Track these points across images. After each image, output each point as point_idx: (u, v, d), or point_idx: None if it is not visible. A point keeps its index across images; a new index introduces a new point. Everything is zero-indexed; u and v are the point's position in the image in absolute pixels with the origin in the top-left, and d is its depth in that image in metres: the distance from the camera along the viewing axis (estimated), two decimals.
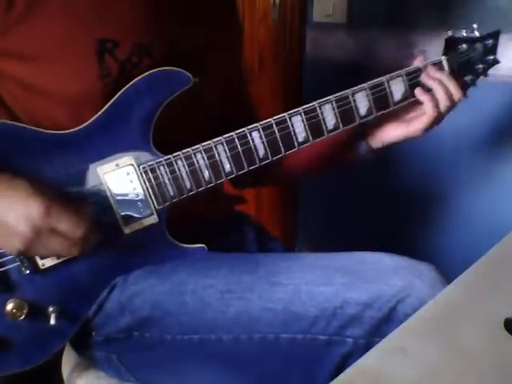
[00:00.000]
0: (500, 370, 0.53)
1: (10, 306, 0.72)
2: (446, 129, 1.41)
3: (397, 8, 1.45)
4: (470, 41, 0.86)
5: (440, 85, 0.82)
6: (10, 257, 0.72)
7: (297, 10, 1.65)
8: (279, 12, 1.66)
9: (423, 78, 0.83)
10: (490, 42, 0.86)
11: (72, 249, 0.68)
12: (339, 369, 0.70)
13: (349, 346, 0.72)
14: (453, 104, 0.84)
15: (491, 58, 0.87)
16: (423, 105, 0.83)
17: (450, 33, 0.87)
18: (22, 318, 0.72)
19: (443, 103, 0.83)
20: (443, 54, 0.86)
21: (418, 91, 0.83)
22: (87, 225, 0.68)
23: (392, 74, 0.83)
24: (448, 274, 0.73)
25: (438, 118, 0.84)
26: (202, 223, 0.87)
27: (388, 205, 1.61)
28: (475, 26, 0.86)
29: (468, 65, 0.87)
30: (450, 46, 0.86)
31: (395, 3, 1.45)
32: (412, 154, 1.50)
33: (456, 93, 0.83)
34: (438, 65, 0.85)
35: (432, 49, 1.37)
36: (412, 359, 0.55)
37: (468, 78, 0.88)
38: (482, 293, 0.65)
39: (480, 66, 0.87)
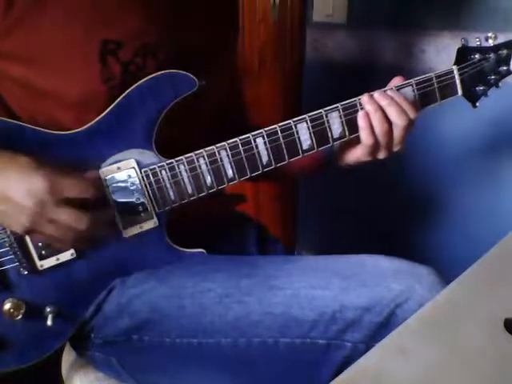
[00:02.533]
0: (500, 370, 0.53)
1: (7, 306, 0.72)
2: (446, 129, 1.41)
3: (397, 8, 1.44)
4: (483, 50, 0.82)
5: (376, 110, 0.76)
6: (8, 257, 0.72)
7: (297, 10, 1.65)
8: (279, 12, 1.66)
9: (362, 100, 0.77)
10: (504, 52, 0.82)
11: (79, 222, 0.67)
12: (338, 373, 0.70)
13: (348, 350, 0.71)
14: (390, 134, 0.77)
15: (504, 68, 0.83)
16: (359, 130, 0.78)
17: (462, 41, 0.83)
18: (19, 317, 0.72)
19: (378, 130, 0.77)
20: (454, 64, 0.82)
21: (359, 114, 0.77)
22: (92, 189, 0.68)
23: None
24: (448, 275, 0.73)
25: (376, 145, 0.78)
26: (202, 223, 0.87)
27: (388, 205, 1.61)
28: (490, 34, 0.82)
29: (480, 75, 0.83)
30: (462, 56, 0.82)
31: (395, 3, 1.45)
32: (412, 155, 1.50)
33: (398, 122, 0.76)
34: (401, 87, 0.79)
35: (432, 49, 1.38)
36: (412, 359, 0.55)
37: (479, 88, 0.84)
38: (482, 293, 0.65)
39: (492, 76, 0.83)
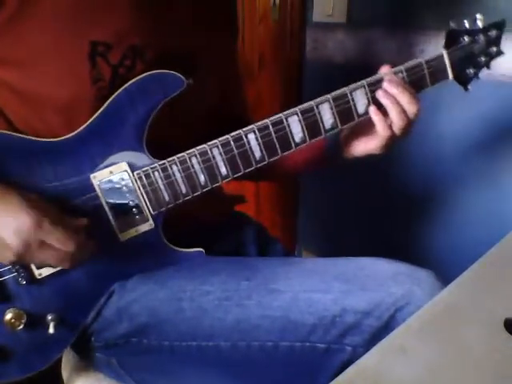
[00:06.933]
0: (500, 370, 0.53)
1: (8, 316, 0.71)
2: (445, 130, 1.41)
3: (397, 8, 1.45)
4: (473, 33, 0.82)
5: (393, 103, 0.77)
6: (6, 268, 0.71)
7: (297, 10, 1.65)
8: (279, 12, 1.66)
9: (378, 94, 0.78)
10: (494, 33, 0.82)
11: (63, 262, 0.67)
12: None
13: (348, 354, 0.71)
14: (407, 122, 0.78)
15: (494, 49, 0.83)
16: (375, 124, 0.79)
17: (451, 24, 0.82)
18: (20, 327, 0.72)
19: (396, 123, 0.78)
20: (444, 47, 0.82)
21: (371, 109, 0.78)
22: (79, 239, 0.67)
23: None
24: (448, 278, 0.73)
25: (393, 137, 0.80)
26: (200, 225, 0.86)
27: (388, 206, 1.61)
28: (478, 16, 0.82)
29: (470, 58, 0.82)
30: (452, 39, 0.82)
31: (395, 3, 1.45)
32: (412, 155, 1.50)
33: (410, 109, 0.78)
34: (404, 71, 0.79)
35: (431, 48, 1.38)
36: (412, 359, 0.55)
37: (470, 71, 0.83)
38: (482, 293, 0.65)
39: (483, 58, 0.83)
